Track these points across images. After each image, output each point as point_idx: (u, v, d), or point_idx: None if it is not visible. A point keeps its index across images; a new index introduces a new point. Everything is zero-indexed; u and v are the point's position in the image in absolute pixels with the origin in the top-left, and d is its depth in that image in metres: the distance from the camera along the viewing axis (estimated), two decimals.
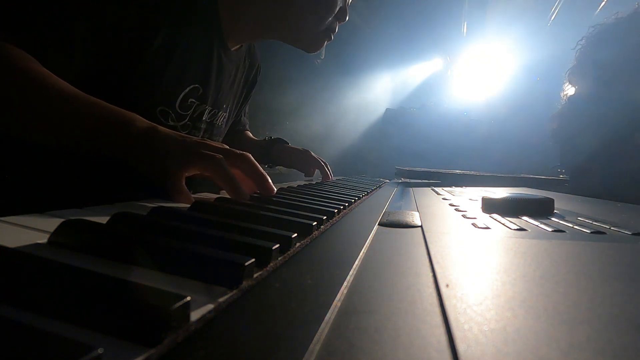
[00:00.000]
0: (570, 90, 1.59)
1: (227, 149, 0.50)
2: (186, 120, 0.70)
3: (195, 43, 0.66)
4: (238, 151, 0.50)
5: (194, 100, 0.69)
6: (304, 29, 0.75)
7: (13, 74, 0.47)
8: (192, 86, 0.67)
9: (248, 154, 0.51)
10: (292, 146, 1.10)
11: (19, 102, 0.47)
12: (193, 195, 0.49)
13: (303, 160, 1.06)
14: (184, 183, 0.45)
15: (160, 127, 0.49)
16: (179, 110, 0.67)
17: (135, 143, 0.47)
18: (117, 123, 0.48)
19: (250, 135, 1.14)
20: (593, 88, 1.42)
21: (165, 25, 0.59)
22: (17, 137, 0.66)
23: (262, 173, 0.50)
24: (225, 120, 0.84)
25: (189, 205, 0.38)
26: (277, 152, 1.07)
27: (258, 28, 0.75)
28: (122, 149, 0.47)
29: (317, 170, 1.10)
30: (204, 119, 0.74)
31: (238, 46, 0.79)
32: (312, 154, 1.07)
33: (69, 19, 0.52)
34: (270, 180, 0.51)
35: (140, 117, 0.49)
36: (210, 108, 0.75)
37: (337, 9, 0.76)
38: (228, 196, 0.48)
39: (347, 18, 0.79)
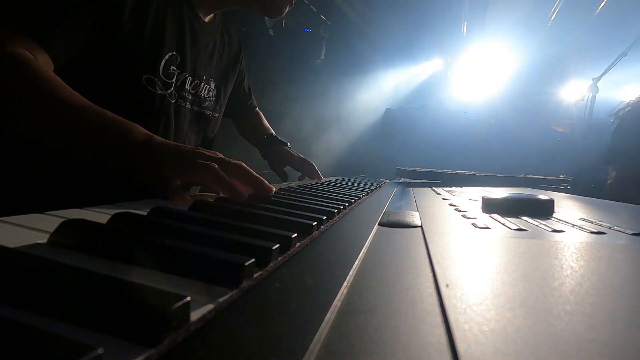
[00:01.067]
0: None
1: (221, 158, 0.51)
2: (172, 89, 0.73)
3: (165, 12, 0.70)
4: (232, 160, 0.52)
5: (174, 67, 0.72)
6: None
7: (26, 80, 0.50)
8: (170, 53, 0.71)
9: (241, 163, 0.52)
10: (287, 149, 1.13)
11: (32, 108, 0.50)
12: (193, 195, 0.50)
13: (282, 165, 1.10)
14: (181, 190, 0.47)
15: (157, 137, 0.51)
16: (163, 78, 0.70)
17: (133, 153, 0.49)
18: (117, 133, 0.50)
19: (261, 116, 1.19)
20: None
21: None
22: (18, 138, 0.67)
23: (257, 177, 0.52)
24: (211, 93, 0.86)
25: (188, 205, 0.38)
26: (273, 152, 1.12)
27: None
28: (121, 158, 0.50)
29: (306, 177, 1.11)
30: (187, 87, 0.77)
31: (210, 17, 0.83)
32: (295, 153, 1.10)
33: (60, 7, 0.55)
34: (266, 182, 0.52)
35: (139, 127, 0.52)
36: (191, 78, 0.78)
37: None
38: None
39: None
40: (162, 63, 0.70)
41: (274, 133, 1.15)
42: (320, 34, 3.30)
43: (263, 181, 0.52)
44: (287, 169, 1.12)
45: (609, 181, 1.51)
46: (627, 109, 1.52)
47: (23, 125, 0.52)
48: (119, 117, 0.52)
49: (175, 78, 0.73)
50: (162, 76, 0.70)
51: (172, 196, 0.47)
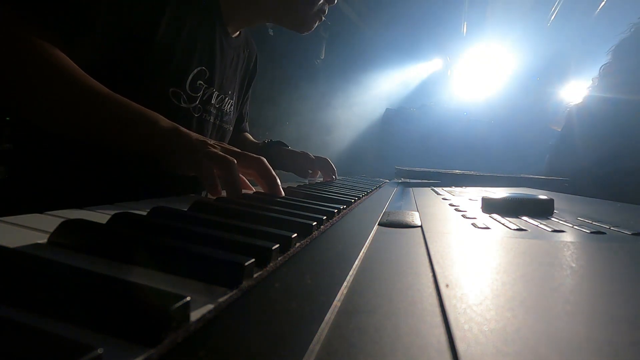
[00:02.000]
0: (593, 87, 1.61)
1: (244, 152, 0.56)
2: (197, 102, 0.73)
3: (198, 27, 0.70)
4: (254, 155, 0.56)
5: (202, 82, 0.73)
6: (297, 10, 0.80)
7: (50, 71, 0.50)
8: (199, 68, 0.71)
9: (263, 158, 0.57)
10: (291, 149, 1.09)
11: (57, 99, 0.50)
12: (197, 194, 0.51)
13: (301, 163, 1.06)
14: (214, 174, 0.50)
15: (183, 129, 0.54)
16: (189, 92, 0.70)
17: (161, 140, 0.52)
18: (144, 122, 0.52)
19: (250, 137, 1.15)
20: (620, 86, 1.43)
21: (169, 9, 0.64)
22: (18, 138, 0.67)
23: (274, 176, 0.56)
24: (232, 108, 0.87)
25: (188, 206, 0.38)
26: (274, 154, 1.07)
27: (255, 11, 0.81)
28: (148, 145, 0.52)
29: (318, 173, 1.10)
30: (212, 102, 0.77)
31: (237, 33, 0.84)
32: (311, 155, 1.07)
33: (91, 8, 0.55)
34: (279, 184, 0.56)
35: (164, 117, 0.54)
36: (217, 92, 0.78)
37: None
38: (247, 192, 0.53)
39: (336, 1, 0.85)
40: (190, 77, 0.69)
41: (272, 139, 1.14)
42: (320, 34, 3.30)
43: (277, 181, 0.56)
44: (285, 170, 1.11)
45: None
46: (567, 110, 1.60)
47: (45, 113, 0.52)
48: (145, 108, 0.53)
49: (201, 92, 0.73)
50: (188, 90, 0.70)
51: (206, 178, 0.49)
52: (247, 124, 1.13)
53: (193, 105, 0.72)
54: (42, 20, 0.51)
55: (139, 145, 0.53)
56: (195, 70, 0.70)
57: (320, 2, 0.80)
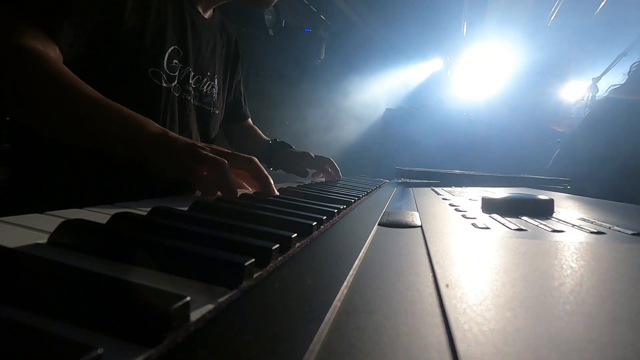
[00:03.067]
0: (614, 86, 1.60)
1: (234, 153, 0.56)
2: (175, 82, 0.74)
3: (166, 6, 0.71)
4: (245, 155, 0.56)
5: (177, 61, 0.74)
6: None
7: (48, 79, 0.51)
8: (172, 47, 0.72)
9: (253, 157, 0.56)
10: (296, 150, 1.09)
11: (55, 106, 0.51)
12: (195, 195, 0.52)
13: (305, 163, 1.06)
14: (205, 176, 0.51)
15: (171, 133, 0.54)
16: (167, 71, 0.71)
17: (150, 144, 0.52)
18: (134, 126, 0.53)
19: (258, 131, 1.16)
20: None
21: None
22: (18, 138, 0.67)
23: (266, 175, 0.56)
24: (214, 90, 0.87)
25: (188, 206, 0.38)
26: (280, 155, 1.08)
27: None
28: (136, 149, 0.52)
29: (321, 174, 1.10)
30: (190, 82, 0.78)
31: (209, 13, 0.85)
32: (312, 155, 1.07)
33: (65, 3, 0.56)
34: (272, 183, 0.56)
35: (153, 122, 0.54)
36: (193, 73, 0.79)
37: None
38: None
39: None
40: (166, 56, 0.71)
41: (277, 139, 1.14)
42: (320, 34, 3.30)
43: (270, 181, 0.56)
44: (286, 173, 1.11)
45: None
46: (586, 109, 1.58)
47: (39, 118, 0.53)
48: (132, 111, 0.54)
49: (178, 72, 0.74)
50: (166, 69, 0.71)
51: (198, 182, 0.50)
52: (247, 108, 1.14)
53: (173, 84, 0.73)
54: (22, 13, 0.52)
55: (127, 149, 0.53)
56: (169, 49, 0.71)
57: None
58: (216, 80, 0.88)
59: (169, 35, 0.71)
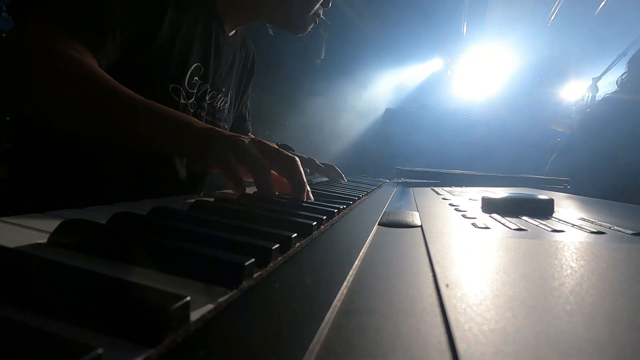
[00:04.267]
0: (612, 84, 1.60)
1: (279, 150, 0.54)
2: (193, 99, 0.74)
3: (196, 24, 0.71)
4: (289, 153, 0.54)
5: (197, 78, 0.74)
6: (293, 13, 0.82)
7: (86, 81, 0.51)
8: (195, 64, 0.72)
9: (297, 159, 0.54)
10: (298, 154, 1.09)
11: (96, 107, 0.51)
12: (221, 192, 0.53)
13: (308, 168, 1.05)
14: (239, 174, 0.49)
15: (217, 128, 0.53)
16: (187, 88, 0.72)
17: (196, 141, 0.51)
18: (180, 123, 0.52)
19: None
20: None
21: (171, 7, 0.65)
22: (20, 139, 0.67)
23: (303, 180, 0.53)
24: (226, 105, 0.87)
25: (188, 206, 0.38)
26: None
27: (251, 11, 0.82)
28: (185, 145, 0.52)
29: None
30: (206, 98, 0.78)
31: (234, 31, 0.85)
32: (317, 161, 1.07)
33: (110, 13, 0.57)
34: (307, 189, 0.54)
35: (195, 119, 0.54)
36: (210, 89, 0.79)
37: None
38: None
39: (330, 4, 0.86)
40: (188, 73, 0.71)
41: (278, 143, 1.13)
42: (320, 34, 3.29)
43: (305, 186, 0.53)
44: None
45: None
46: (587, 110, 1.58)
47: (84, 123, 0.53)
48: (175, 110, 0.54)
49: (197, 89, 0.74)
50: (186, 86, 0.71)
51: (232, 177, 0.48)
52: (249, 123, 1.13)
53: (190, 101, 0.73)
54: (71, 30, 0.53)
55: (175, 147, 0.53)
56: (192, 67, 0.71)
57: (316, 6, 0.82)
58: (229, 95, 0.88)
59: (194, 53, 0.71)
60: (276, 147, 0.55)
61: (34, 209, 0.30)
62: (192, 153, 0.52)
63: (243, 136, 0.53)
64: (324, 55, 3.42)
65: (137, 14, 0.60)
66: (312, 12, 0.82)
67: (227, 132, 0.53)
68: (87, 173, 0.64)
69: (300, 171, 0.54)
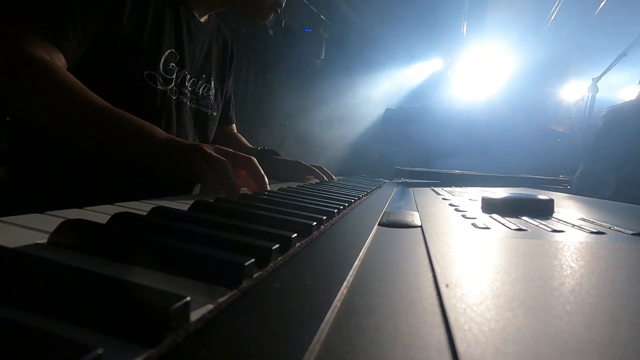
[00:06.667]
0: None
1: (235, 152, 0.59)
2: (172, 85, 0.75)
3: (163, 10, 0.73)
4: (245, 155, 0.60)
5: (174, 64, 0.75)
6: (254, 1, 0.85)
7: (57, 88, 0.53)
8: (169, 51, 0.74)
9: (253, 157, 0.60)
10: (283, 158, 1.08)
11: (64, 114, 0.54)
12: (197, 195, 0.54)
13: (294, 171, 1.05)
14: (209, 173, 0.53)
15: (178, 139, 0.58)
16: (163, 74, 0.73)
17: (157, 149, 0.56)
18: (141, 133, 0.56)
19: (243, 139, 1.14)
20: None
21: None
22: (19, 139, 0.67)
23: (263, 175, 0.60)
24: (211, 92, 0.88)
25: (188, 205, 0.38)
26: (267, 164, 1.06)
27: None
28: (147, 154, 0.56)
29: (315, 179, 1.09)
30: (187, 85, 0.80)
31: (205, 17, 0.86)
32: (304, 163, 1.06)
33: (68, 7, 0.58)
34: (267, 182, 0.61)
35: (160, 130, 0.59)
36: (189, 75, 0.80)
37: None
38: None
39: None
40: (162, 59, 0.72)
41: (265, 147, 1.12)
42: (320, 34, 3.29)
43: (266, 180, 0.60)
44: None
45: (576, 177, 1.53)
46: (608, 114, 1.56)
47: (49, 125, 0.56)
48: (138, 118, 0.57)
49: (175, 75, 0.75)
50: (162, 72, 0.72)
51: (203, 177, 0.53)
52: (233, 114, 1.13)
53: (169, 87, 0.74)
54: (28, 22, 0.54)
55: (138, 155, 0.57)
56: (166, 53, 0.73)
57: None
58: (213, 82, 0.88)
59: (166, 38, 0.73)
60: (232, 150, 0.60)
61: (34, 209, 0.30)
62: (159, 162, 0.57)
63: (200, 143, 0.57)
64: (324, 55, 3.42)
65: (97, 2, 0.61)
66: (272, 1, 0.84)
67: (187, 141, 0.58)
68: (87, 173, 0.64)
69: (258, 167, 0.60)
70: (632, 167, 1.32)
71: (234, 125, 1.14)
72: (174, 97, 0.75)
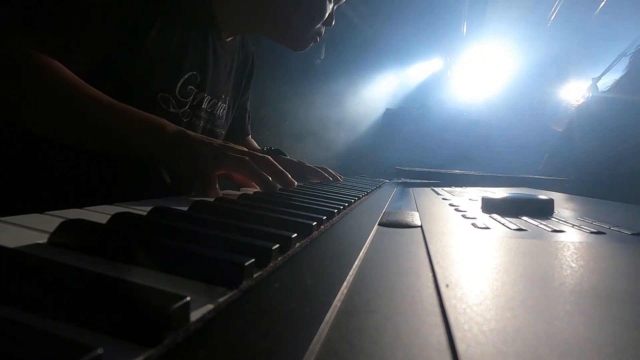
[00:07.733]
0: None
1: (250, 151, 0.57)
2: (186, 107, 0.73)
3: (190, 32, 0.70)
4: (260, 154, 0.57)
5: (192, 87, 0.72)
6: (294, 31, 0.81)
7: (53, 84, 0.51)
8: (190, 73, 0.71)
9: (267, 156, 0.58)
10: (289, 158, 1.08)
11: (66, 111, 0.52)
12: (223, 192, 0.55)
13: (297, 172, 1.05)
14: (215, 183, 0.52)
15: (189, 132, 0.54)
16: (179, 97, 0.70)
17: (167, 146, 0.53)
18: (151, 128, 0.53)
19: (254, 143, 1.14)
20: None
21: (160, 16, 0.63)
22: (19, 138, 0.67)
23: (281, 170, 0.58)
24: (225, 112, 0.86)
25: (188, 206, 0.38)
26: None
27: (249, 22, 0.81)
28: (156, 150, 0.53)
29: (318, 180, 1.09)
30: (203, 107, 0.77)
31: (232, 37, 0.83)
32: (307, 164, 1.06)
33: (83, 17, 0.55)
34: (289, 175, 0.59)
35: (170, 123, 0.55)
36: (209, 97, 0.78)
37: (327, 15, 0.81)
38: (248, 192, 0.55)
39: (334, 23, 0.85)
40: (180, 82, 0.69)
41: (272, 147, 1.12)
42: None
43: (286, 174, 0.58)
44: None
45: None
46: (582, 107, 1.60)
47: (52, 126, 0.53)
48: (148, 113, 0.54)
49: (192, 97, 0.73)
50: (177, 95, 0.69)
51: (207, 187, 0.51)
52: (249, 126, 1.12)
53: (182, 110, 0.71)
54: (38, 32, 0.52)
55: (147, 151, 0.54)
56: (186, 76, 0.70)
57: (317, 26, 0.81)
58: (227, 100, 0.86)
59: (188, 62, 0.69)
60: (246, 149, 0.58)
61: (34, 209, 0.30)
62: (170, 160, 0.54)
63: (214, 140, 0.55)
64: (324, 55, 3.42)
65: (119, 18, 0.58)
66: (313, 32, 0.81)
67: (199, 136, 0.55)
68: (87, 172, 0.64)
69: (275, 163, 0.58)
70: (588, 156, 1.36)
71: (250, 136, 1.13)
72: (185, 120, 0.73)
